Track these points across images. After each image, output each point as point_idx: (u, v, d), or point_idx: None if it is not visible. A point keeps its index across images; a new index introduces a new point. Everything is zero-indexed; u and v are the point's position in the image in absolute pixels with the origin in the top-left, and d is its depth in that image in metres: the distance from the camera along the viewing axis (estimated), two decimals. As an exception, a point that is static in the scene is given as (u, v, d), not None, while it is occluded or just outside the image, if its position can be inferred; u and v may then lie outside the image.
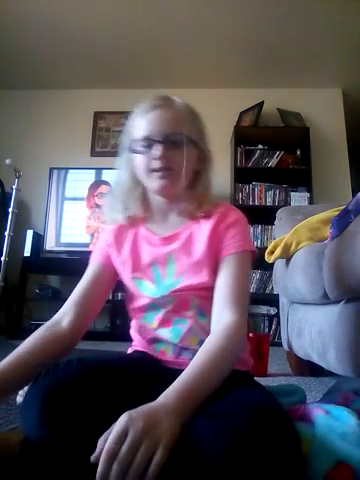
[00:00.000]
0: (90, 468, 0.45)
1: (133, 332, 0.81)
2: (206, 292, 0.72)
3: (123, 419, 0.46)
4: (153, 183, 0.75)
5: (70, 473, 0.54)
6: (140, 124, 0.75)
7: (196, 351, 0.64)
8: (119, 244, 0.80)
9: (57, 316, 0.76)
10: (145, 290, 0.76)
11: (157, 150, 0.72)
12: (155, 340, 0.75)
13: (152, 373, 0.68)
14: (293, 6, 2.69)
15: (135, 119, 0.77)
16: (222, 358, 0.61)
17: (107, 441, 0.45)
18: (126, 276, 0.78)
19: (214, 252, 0.74)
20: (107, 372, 0.60)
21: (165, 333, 0.74)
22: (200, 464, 0.44)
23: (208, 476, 0.43)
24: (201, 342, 0.67)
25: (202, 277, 0.73)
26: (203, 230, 0.76)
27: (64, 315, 0.75)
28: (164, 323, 0.74)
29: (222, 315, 0.68)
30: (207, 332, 0.69)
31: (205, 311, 0.72)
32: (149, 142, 0.73)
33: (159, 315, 0.74)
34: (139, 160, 0.76)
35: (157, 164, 0.73)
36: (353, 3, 2.64)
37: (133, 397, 0.53)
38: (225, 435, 0.45)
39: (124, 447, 0.44)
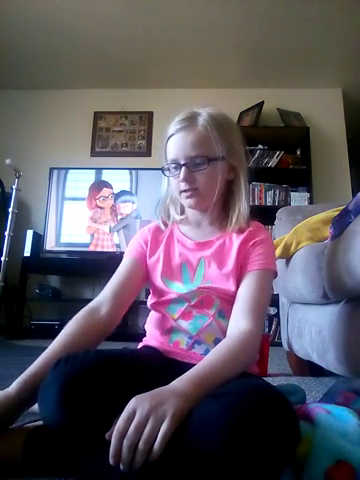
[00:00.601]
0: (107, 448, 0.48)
1: (148, 325, 0.86)
2: (229, 297, 0.77)
3: (132, 401, 0.52)
4: (183, 201, 0.83)
5: (71, 471, 0.55)
6: (169, 146, 0.81)
7: (209, 347, 0.72)
8: (155, 244, 0.86)
9: (94, 304, 0.78)
10: (173, 288, 0.81)
11: (181, 174, 0.78)
12: (172, 330, 0.80)
13: (162, 366, 0.72)
14: (293, 6, 2.69)
15: (166, 139, 0.82)
16: (235, 358, 0.64)
17: (120, 417, 0.50)
18: (156, 274, 0.83)
19: (240, 265, 0.79)
20: (121, 363, 0.64)
21: (184, 325, 0.78)
22: (202, 437, 0.47)
23: (209, 448, 0.46)
24: (216, 340, 0.75)
25: (228, 286, 0.77)
26: (234, 244, 0.81)
27: (102, 304, 0.78)
28: (185, 316, 0.79)
29: (239, 323, 0.71)
30: (224, 332, 0.75)
31: (225, 313, 0.78)
32: (176, 165, 0.80)
33: (182, 308, 0.79)
34: (171, 181, 0.83)
35: (183, 186, 0.79)
36: (353, 3, 2.64)
37: (143, 387, 0.56)
38: (225, 409, 0.48)
39: (132, 425, 0.49)
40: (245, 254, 0.79)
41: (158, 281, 0.82)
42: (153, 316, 0.85)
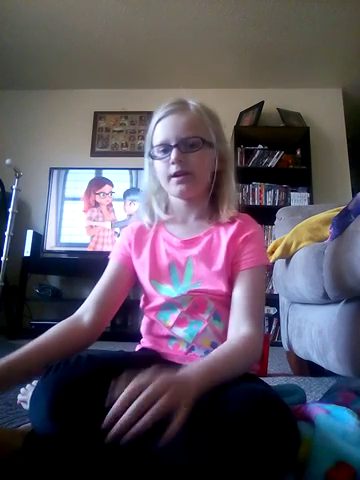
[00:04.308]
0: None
1: (143, 329, 0.83)
2: (222, 297, 0.74)
3: (150, 371, 0.50)
4: (172, 188, 0.77)
5: (71, 470, 0.55)
6: (157, 130, 0.77)
7: (207, 349, 0.71)
8: (139, 245, 0.82)
9: (78, 312, 0.78)
10: (162, 291, 0.78)
11: (173, 154, 0.74)
12: (168, 337, 0.77)
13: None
14: (293, 6, 2.69)
15: (152, 126, 0.79)
16: (238, 358, 0.63)
17: (132, 381, 0.48)
18: (144, 277, 0.80)
19: (230, 263, 0.76)
20: (115, 369, 0.60)
21: (180, 332, 0.75)
22: (202, 446, 0.45)
23: (211, 457, 0.44)
24: (213, 344, 0.73)
25: (219, 285, 0.74)
26: (222, 240, 0.77)
27: (85, 312, 0.77)
28: (180, 323, 0.76)
29: (240, 328, 0.70)
30: (219, 336, 0.73)
31: (220, 315, 0.75)
32: (166, 147, 0.75)
33: (175, 314, 0.76)
34: (159, 166, 0.78)
35: (174, 169, 0.74)
36: (353, 3, 2.64)
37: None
38: (225, 419, 0.46)
39: (145, 392, 0.47)
40: (235, 251, 0.76)
41: (147, 284, 0.79)
42: (147, 321, 0.82)
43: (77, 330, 0.74)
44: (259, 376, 0.76)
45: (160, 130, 0.76)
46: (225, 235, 0.78)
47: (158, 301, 0.78)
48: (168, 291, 0.77)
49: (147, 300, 0.81)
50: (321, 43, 3.04)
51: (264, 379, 0.73)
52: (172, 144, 0.74)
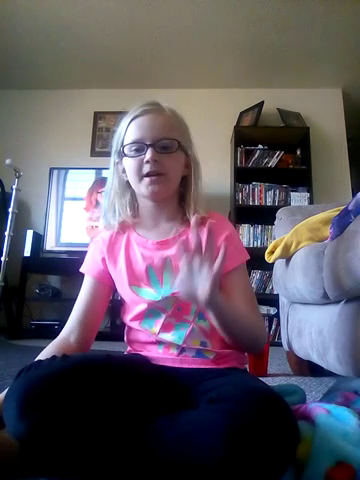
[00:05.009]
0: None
1: (128, 338, 0.82)
2: None
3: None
4: (144, 188, 0.76)
5: (71, 470, 0.54)
6: (131, 128, 0.76)
7: (198, 350, 0.71)
8: (114, 254, 0.81)
9: (64, 334, 0.78)
10: (145, 295, 0.76)
11: (148, 154, 0.73)
12: (157, 342, 0.76)
13: (146, 371, 0.69)
14: (293, 6, 2.69)
15: (125, 124, 0.78)
16: (252, 324, 0.73)
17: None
18: (123, 284, 0.78)
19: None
20: (93, 369, 0.59)
21: (168, 337, 0.74)
22: (202, 444, 0.46)
23: (210, 454, 0.45)
24: (202, 343, 0.72)
25: None
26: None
27: (71, 333, 0.77)
28: (166, 328, 0.75)
29: None
30: (207, 335, 0.73)
31: (204, 313, 0.74)
32: (140, 146, 0.74)
33: (160, 320, 0.75)
34: (130, 164, 0.76)
35: (148, 168, 0.74)
36: (353, 3, 2.64)
37: (121, 393, 0.54)
38: (225, 416, 0.47)
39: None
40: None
41: (127, 291, 0.78)
42: (130, 330, 0.81)
43: (68, 351, 0.71)
44: (259, 376, 0.76)
45: (134, 128, 0.76)
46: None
47: (140, 308, 0.76)
48: (150, 295, 0.76)
49: (128, 309, 0.80)
50: (321, 43, 3.04)
51: (264, 379, 0.74)
52: (147, 143, 0.74)
